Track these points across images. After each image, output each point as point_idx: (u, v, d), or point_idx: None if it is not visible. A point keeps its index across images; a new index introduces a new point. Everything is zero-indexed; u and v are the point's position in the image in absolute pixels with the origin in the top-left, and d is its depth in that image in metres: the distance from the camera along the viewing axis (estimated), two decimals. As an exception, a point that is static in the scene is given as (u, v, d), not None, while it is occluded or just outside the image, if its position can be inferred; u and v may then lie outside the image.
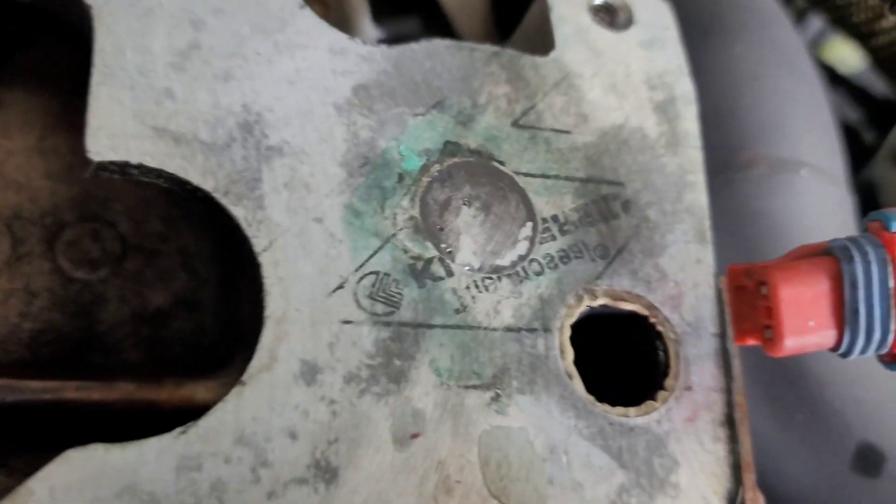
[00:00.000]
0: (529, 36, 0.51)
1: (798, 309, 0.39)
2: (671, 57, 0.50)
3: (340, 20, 0.59)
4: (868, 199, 1.05)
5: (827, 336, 0.40)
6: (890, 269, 0.39)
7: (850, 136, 1.02)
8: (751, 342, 0.41)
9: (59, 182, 0.50)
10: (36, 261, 0.49)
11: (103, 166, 0.39)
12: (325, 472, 0.37)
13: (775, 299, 0.39)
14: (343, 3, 0.59)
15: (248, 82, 0.42)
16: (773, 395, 0.58)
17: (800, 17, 0.89)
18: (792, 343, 0.39)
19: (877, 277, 0.39)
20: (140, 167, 0.39)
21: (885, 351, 0.40)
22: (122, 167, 0.39)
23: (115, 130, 0.39)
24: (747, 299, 0.41)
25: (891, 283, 0.39)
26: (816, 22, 0.92)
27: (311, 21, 0.44)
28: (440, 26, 0.86)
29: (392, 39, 0.79)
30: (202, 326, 0.50)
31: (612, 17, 0.51)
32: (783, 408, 0.58)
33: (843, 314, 0.39)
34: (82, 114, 0.39)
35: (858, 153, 0.98)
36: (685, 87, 0.50)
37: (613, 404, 0.43)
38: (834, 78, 1.02)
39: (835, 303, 0.39)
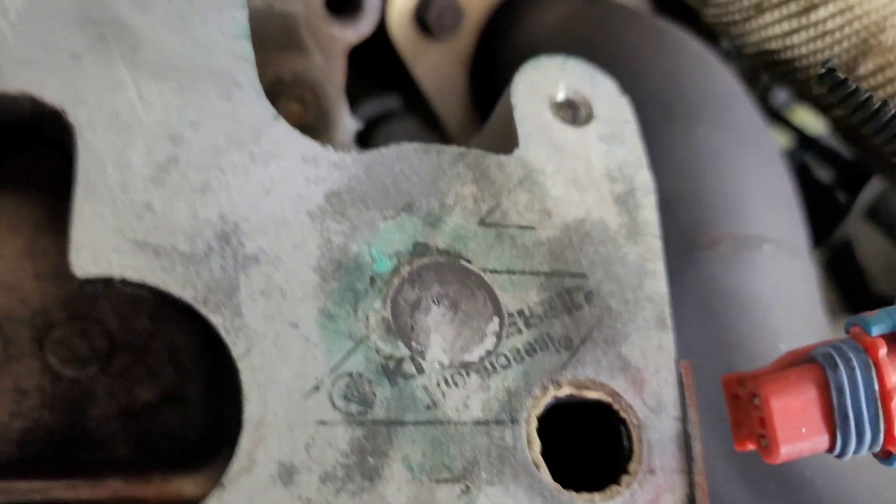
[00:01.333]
0: (496, 132, 0.54)
1: (790, 418, 0.41)
2: (630, 149, 0.53)
3: (318, 117, 0.62)
4: (844, 257, 1.08)
5: (820, 441, 0.42)
6: (874, 372, 0.41)
7: (824, 195, 1.05)
8: (750, 447, 0.43)
9: (48, 282, 0.52)
10: (26, 360, 0.51)
11: (87, 281, 0.41)
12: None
13: (767, 410, 0.41)
14: (321, 99, 0.62)
15: (224, 193, 0.44)
16: (745, 465, 0.60)
17: (764, 91, 0.93)
18: (787, 450, 0.42)
19: (861, 382, 0.41)
20: (122, 281, 0.41)
21: (877, 449, 0.42)
22: (105, 281, 0.41)
23: (96, 246, 0.41)
24: (742, 407, 0.43)
25: (876, 387, 0.41)
26: (782, 94, 0.95)
27: (284, 131, 0.46)
28: (420, 104, 0.89)
29: (373, 121, 0.82)
30: (189, 420, 0.52)
31: (573, 113, 0.53)
32: (755, 477, 0.60)
33: (834, 419, 0.41)
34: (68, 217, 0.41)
35: (833, 212, 1.01)
36: (644, 178, 0.52)
37: (580, 491, 0.45)
38: (805, 139, 1.05)
39: (824, 409, 0.42)
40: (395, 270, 0.46)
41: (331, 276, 0.44)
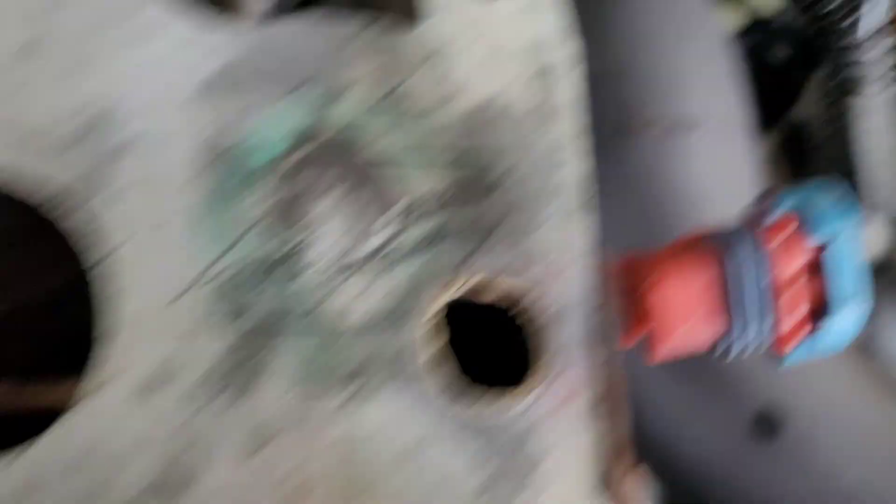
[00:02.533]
0: (404, 10, 0.49)
1: (674, 311, 0.39)
2: (551, 23, 0.48)
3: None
4: (798, 138, 1.04)
5: (702, 337, 0.39)
6: (767, 262, 0.38)
7: (777, 76, 1.01)
8: (638, 337, 0.41)
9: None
10: None
11: None
12: (172, 488, 0.36)
13: (649, 303, 0.38)
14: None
15: (95, 77, 0.40)
16: (674, 364, 0.58)
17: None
18: (667, 345, 0.39)
19: (752, 273, 0.38)
20: None
21: (767, 345, 0.39)
22: None
23: None
24: (634, 295, 0.40)
25: (769, 276, 0.38)
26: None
27: (163, 9, 0.42)
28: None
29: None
30: (68, 327, 0.48)
31: (487, -16, 0.49)
32: (684, 376, 0.58)
33: (726, 309, 0.39)
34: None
35: (787, 93, 0.97)
36: (564, 55, 0.48)
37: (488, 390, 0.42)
38: (759, 20, 1.00)
39: (709, 303, 0.39)
40: (281, 159, 0.42)
41: (210, 167, 0.40)
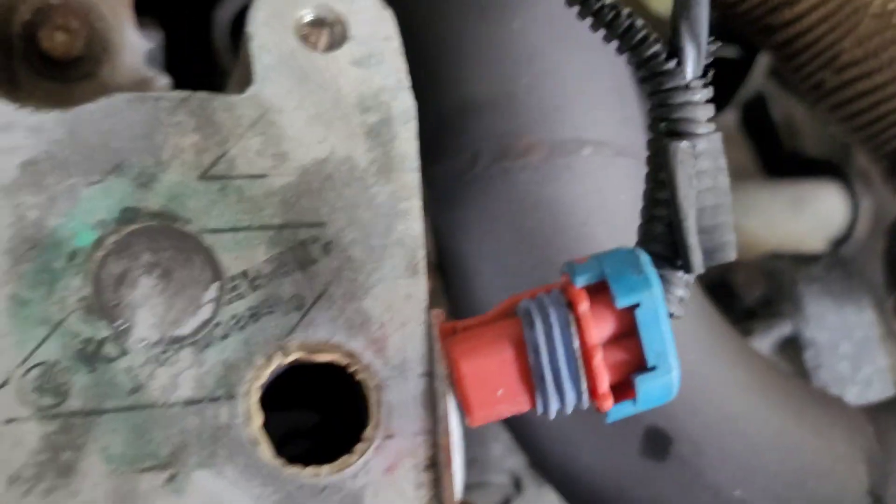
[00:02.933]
0: (241, 71, 0.49)
1: (483, 379, 0.38)
2: (389, 72, 0.48)
3: (93, 44, 0.57)
4: (755, 113, 1.01)
5: (519, 402, 0.39)
6: (573, 329, 0.38)
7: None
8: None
9: None
10: None
11: None
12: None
13: (458, 373, 0.38)
14: (94, 23, 0.57)
15: None
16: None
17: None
18: (481, 414, 0.39)
19: (560, 339, 0.38)
20: None
21: (584, 407, 0.39)
22: None
23: None
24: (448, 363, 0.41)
25: (575, 344, 0.38)
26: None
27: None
28: None
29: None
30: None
31: (323, 36, 0.48)
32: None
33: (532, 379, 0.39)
34: None
35: (733, 73, 0.95)
36: (404, 104, 0.47)
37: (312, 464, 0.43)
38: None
39: (522, 368, 0.39)
40: (99, 242, 0.42)
41: (24, 258, 0.41)
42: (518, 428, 0.64)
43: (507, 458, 0.87)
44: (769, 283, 0.85)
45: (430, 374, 0.44)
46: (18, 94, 0.55)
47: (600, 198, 0.58)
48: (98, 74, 0.57)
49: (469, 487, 0.89)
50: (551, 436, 0.60)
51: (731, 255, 0.42)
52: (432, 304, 0.46)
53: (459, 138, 0.59)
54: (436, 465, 0.43)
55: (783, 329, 0.83)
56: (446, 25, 0.59)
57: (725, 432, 0.57)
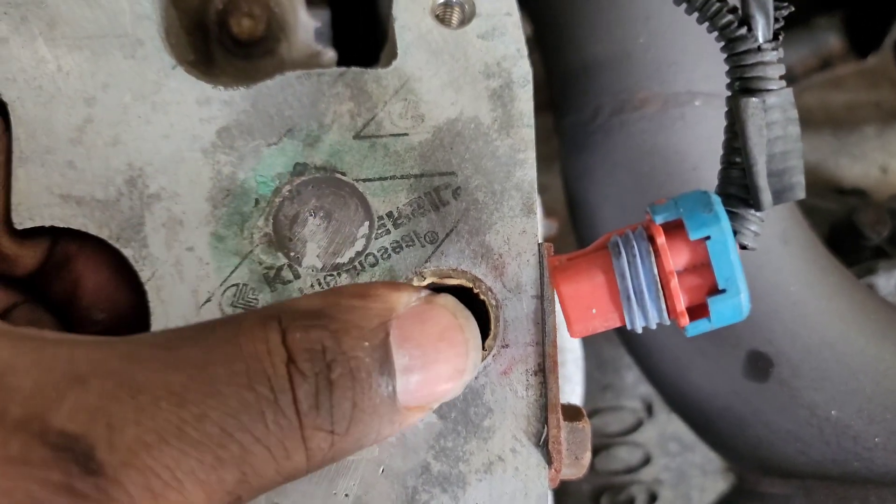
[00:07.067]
0: (389, 48, 0.59)
1: (579, 300, 0.47)
2: (510, 42, 0.56)
3: (273, 26, 0.69)
4: None
5: (611, 319, 0.48)
6: (653, 259, 0.46)
7: None
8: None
9: None
10: None
11: (26, 232, 0.53)
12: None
13: (560, 296, 0.47)
14: (272, 9, 0.69)
15: (132, 143, 0.54)
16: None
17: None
18: (580, 328, 0.48)
19: (642, 267, 0.46)
20: (52, 228, 0.52)
21: (666, 323, 0.48)
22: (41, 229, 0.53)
23: (31, 202, 0.52)
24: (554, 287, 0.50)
25: (655, 271, 0.46)
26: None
27: (181, 78, 0.55)
28: None
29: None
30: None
31: (455, 14, 0.57)
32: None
33: (620, 300, 0.47)
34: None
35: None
36: (522, 70, 0.56)
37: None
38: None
39: (612, 291, 0.47)
40: (277, 191, 0.54)
41: (221, 203, 0.53)
42: (642, 356, 0.72)
43: (639, 385, 0.95)
44: (896, 223, 0.87)
45: (540, 297, 0.53)
46: (214, 70, 0.68)
47: (709, 144, 0.64)
48: (277, 51, 0.69)
49: (604, 411, 0.97)
50: (667, 360, 0.67)
51: (799, 194, 0.48)
52: (562, 238, 0.55)
53: (583, 94, 0.67)
54: (543, 371, 0.52)
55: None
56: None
57: (823, 357, 0.62)
